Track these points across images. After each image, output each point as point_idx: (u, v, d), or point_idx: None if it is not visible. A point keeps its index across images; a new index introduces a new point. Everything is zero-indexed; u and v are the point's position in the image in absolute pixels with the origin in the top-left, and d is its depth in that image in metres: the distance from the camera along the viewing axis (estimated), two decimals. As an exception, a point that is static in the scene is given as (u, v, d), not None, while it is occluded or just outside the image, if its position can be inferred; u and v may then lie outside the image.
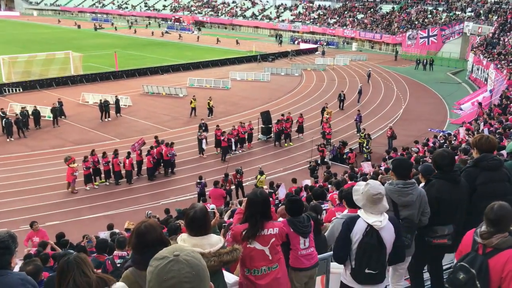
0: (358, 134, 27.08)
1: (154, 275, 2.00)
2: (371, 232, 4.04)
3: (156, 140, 23.41)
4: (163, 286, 1.97)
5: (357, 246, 4.09)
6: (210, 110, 31.87)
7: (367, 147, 24.18)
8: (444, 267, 5.79)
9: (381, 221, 4.05)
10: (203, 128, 25.75)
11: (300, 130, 28.14)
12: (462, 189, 4.94)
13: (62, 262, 3.03)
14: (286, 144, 27.00)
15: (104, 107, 30.42)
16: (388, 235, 4.10)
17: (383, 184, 4.99)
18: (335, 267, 5.15)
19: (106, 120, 30.56)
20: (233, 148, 24.97)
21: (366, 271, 4.11)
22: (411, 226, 4.76)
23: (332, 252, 5.08)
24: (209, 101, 31.97)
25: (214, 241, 3.58)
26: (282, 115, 27.87)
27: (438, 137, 22.01)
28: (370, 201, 4.07)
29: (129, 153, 21.45)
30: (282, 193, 15.88)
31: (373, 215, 4.08)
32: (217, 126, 25.34)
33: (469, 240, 3.82)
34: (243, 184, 20.56)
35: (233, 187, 20.27)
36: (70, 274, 2.94)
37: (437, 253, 5.18)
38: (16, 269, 6.61)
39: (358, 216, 4.16)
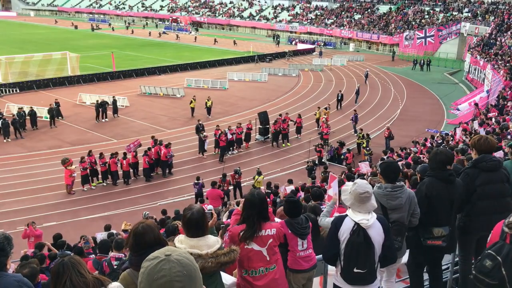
0: (356, 135, 27.15)
1: (145, 275, 2.00)
2: (358, 230, 4.05)
3: (153, 140, 23.39)
4: (153, 285, 1.96)
5: (345, 245, 4.10)
6: (208, 109, 31.93)
7: (367, 148, 24.12)
8: (443, 267, 5.78)
9: (368, 220, 4.05)
10: (201, 128, 25.75)
11: (298, 130, 28.16)
12: (455, 189, 4.91)
13: (56, 264, 3.02)
14: (283, 145, 26.99)
15: (101, 107, 30.37)
16: (376, 234, 4.10)
17: (372, 186, 4.99)
18: (332, 268, 5.13)
19: (102, 120, 30.49)
20: (229, 136, 24.77)
21: (355, 270, 4.10)
22: (401, 228, 4.75)
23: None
24: (207, 101, 32.06)
25: (212, 242, 3.57)
26: (280, 115, 27.87)
27: (435, 137, 22.04)
28: (358, 200, 4.09)
29: (125, 154, 21.42)
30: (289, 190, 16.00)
31: (360, 213, 4.08)
32: (217, 126, 25.30)
33: (498, 230, 3.92)
34: (241, 185, 20.54)
35: (231, 187, 20.26)
36: (66, 275, 2.93)
37: (433, 255, 5.14)
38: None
39: (346, 215, 4.17)
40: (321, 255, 4.86)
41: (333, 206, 5.70)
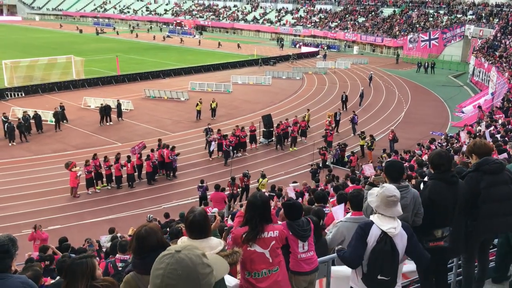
0: (358, 135, 27.13)
1: (154, 263, 2.07)
2: (385, 239, 4.03)
3: (159, 143, 23.50)
4: (153, 274, 2.01)
5: (370, 252, 4.08)
6: (213, 111, 32.24)
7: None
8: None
9: (395, 228, 4.05)
10: (209, 132, 25.63)
11: (303, 133, 28.07)
12: (458, 191, 4.90)
13: (74, 262, 3.06)
14: (291, 149, 26.92)
15: (105, 111, 30.50)
16: (401, 241, 4.10)
17: (375, 185, 4.98)
18: (336, 271, 5.12)
19: (107, 124, 30.61)
20: (231, 154, 24.85)
21: (379, 277, 4.09)
22: None
23: (334, 255, 5.05)
24: (211, 102, 32.41)
25: (214, 244, 3.59)
26: (286, 119, 27.86)
27: (440, 140, 21.98)
28: (384, 203, 4.08)
29: (129, 157, 21.50)
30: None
31: (387, 221, 4.07)
32: (219, 130, 25.38)
33: None
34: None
35: (239, 190, 20.22)
36: (79, 278, 2.98)
37: (437, 257, 5.11)
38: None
39: (372, 223, 4.15)
40: (330, 256, 4.86)
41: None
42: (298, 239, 4.68)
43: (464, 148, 13.66)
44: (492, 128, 19.11)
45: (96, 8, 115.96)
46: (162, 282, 1.96)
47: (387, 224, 4.06)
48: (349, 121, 29.65)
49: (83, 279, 3.17)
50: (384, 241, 4.03)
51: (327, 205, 9.27)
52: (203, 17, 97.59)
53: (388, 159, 19.55)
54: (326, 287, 4.99)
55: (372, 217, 4.20)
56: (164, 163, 22.39)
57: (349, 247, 4.27)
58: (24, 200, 19.66)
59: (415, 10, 70.68)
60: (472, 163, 5.47)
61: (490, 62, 39.21)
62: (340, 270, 5.07)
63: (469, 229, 5.21)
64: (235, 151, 25.39)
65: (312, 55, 65.28)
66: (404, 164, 16.69)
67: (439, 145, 20.16)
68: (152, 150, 22.28)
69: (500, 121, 21.03)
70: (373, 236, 4.08)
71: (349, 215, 5.78)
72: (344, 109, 34.62)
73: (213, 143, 24.56)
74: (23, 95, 37.45)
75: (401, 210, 4.16)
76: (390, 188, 4.13)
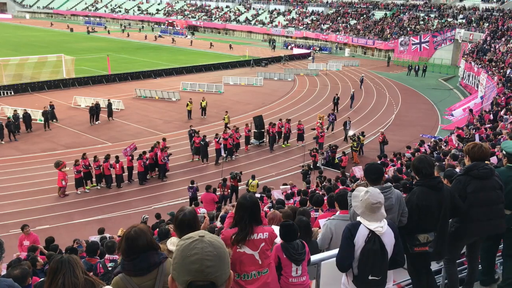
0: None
1: (179, 252, 2.08)
2: (373, 238, 4.03)
3: (164, 141, 23.63)
4: (186, 261, 2.03)
5: (360, 253, 4.06)
6: (203, 110, 32.41)
7: (360, 136, 24.41)
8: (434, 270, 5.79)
9: (382, 227, 4.04)
10: (193, 134, 25.28)
11: (300, 137, 27.75)
12: (443, 196, 4.92)
13: (55, 261, 3.04)
14: (283, 145, 27.27)
15: (95, 110, 30.31)
16: (389, 240, 4.10)
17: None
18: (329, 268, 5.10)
19: (95, 123, 30.39)
20: (222, 153, 24.77)
21: (370, 277, 4.08)
22: None
23: (324, 255, 5.06)
24: (201, 101, 32.54)
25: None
26: (280, 120, 27.87)
27: (429, 142, 22.12)
28: (368, 209, 4.05)
29: (117, 157, 21.33)
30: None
31: (373, 220, 4.08)
32: (216, 134, 24.91)
33: None
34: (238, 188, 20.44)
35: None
36: (61, 273, 2.95)
37: (421, 261, 5.13)
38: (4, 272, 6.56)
39: (359, 223, 4.13)
40: (320, 258, 4.85)
41: None
42: (292, 263, 4.63)
43: (453, 151, 13.77)
44: (483, 133, 19.26)
45: (87, 7, 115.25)
46: (202, 265, 2.00)
47: (374, 223, 4.06)
48: (328, 120, 29.94)
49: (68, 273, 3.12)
50: (372, 241, 4.03)
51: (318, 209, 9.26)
52: (195, 17, 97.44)
53: (378, 162, 19.65)
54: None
55: (359, 218, 4.19)
56: (157, 164, 22.30)
57: (339, 253, 4.26)
58: (12, 199, 19.46)
59: (406, 13, 71.16)
60: (464, 166, 5.52)
61: (479, 66, 39.56)
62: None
63: (451, 229, 5.26)
64: (225, 152, 25.26)
65: (304, 56, 65.48)
66: (393, 168, 16.78)
67: (428, 146, 20.30)
68: (144, 153, 22.06)
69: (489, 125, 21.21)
70: (361, 236, 4.07)
71: (337, 213, 5.82)
72: (336, 111, 34.75)
73: (212, 144, 24.43)
74: (13, 93, 37.09)
75: (385, 213, 4.16)
76: (374, 194, 4.06)
